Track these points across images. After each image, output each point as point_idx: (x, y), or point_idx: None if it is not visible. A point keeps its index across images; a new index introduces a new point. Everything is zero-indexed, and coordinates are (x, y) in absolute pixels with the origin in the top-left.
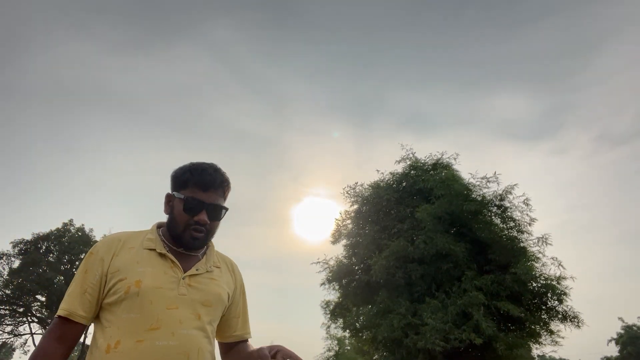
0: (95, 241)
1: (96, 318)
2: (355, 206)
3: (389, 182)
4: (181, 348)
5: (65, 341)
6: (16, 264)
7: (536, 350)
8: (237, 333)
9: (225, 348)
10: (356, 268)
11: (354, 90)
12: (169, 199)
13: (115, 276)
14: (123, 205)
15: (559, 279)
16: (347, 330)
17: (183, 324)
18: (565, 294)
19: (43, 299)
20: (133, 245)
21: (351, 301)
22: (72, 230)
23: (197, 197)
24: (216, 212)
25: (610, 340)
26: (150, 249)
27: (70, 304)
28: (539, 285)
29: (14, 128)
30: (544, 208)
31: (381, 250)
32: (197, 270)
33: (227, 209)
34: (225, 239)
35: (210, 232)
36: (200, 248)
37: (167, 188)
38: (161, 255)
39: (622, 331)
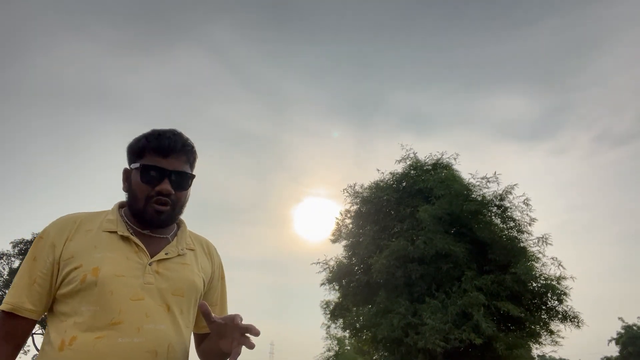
0: None
1: (50, 311)
2: (356, 206)
3: (389, 182)
4: (148, 345)
5: (12, 339)
6: (16, 264)
7: (536, 350)
8: None
9: (200, 339)
10: (356, 268)
11: (354, 90)
12: (126, 174)
13: (69, 263)
14: None
15: (559, 279)
16: (347, 330)
17: (150, 317)
18: (565, 294)
19: None
20: (90, 228)
21: (351, 301)
22: None
23: (157, 165)
24: (181, 181)
25: (610, 341)
26: (111, 232)
27: (16, 297)
28: (539, 285)
29: (14, 128)
30: (544, 208)
31: (381, 250)
32: (166, 254)
33: (194, 176)
34: (225, 239)
35: (177, 204)
36: (167, 224)
37: None
38: (123, 238)
39: (622, 331)
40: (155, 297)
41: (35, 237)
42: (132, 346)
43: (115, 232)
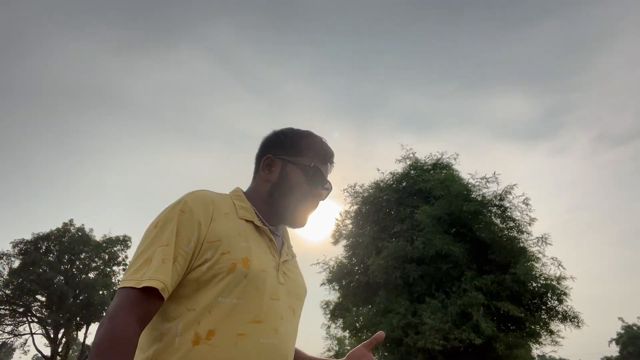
0: (96, 241)
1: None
2: (356, 206)
3: (389, 182)
4: (282, 349)
5: (145, 323)
6: (16, 264)
7: (536, 350)
8: None
9: None
10: (356, 268)
11: (354, 90)
12: (270, 161)
13: (214, 246)
14: (123, 205)
15: (559, 279)
16: (347, 330)
17: (283, 319)
18: (565, 294)
19: (43, 299)
20: (227, 212)
21: (351, 301)
22: (72, 230)
23: (325, 171)
24: (329, 191)
25: (610, 341)
26: (247, 220)
27: (164, 273)
28: (539, 285)
29: (14, 128)
30: (544, 208)
31: (380, 251)
32: (287, 255)
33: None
34: None
35: (315, 211)
36: (303, 226)
37: (167, 188)
38: (259, 230)
39: (622, 331)
40: (286, 299)
41: (170, 209)
42: (272, 348)
43: (252, 222)
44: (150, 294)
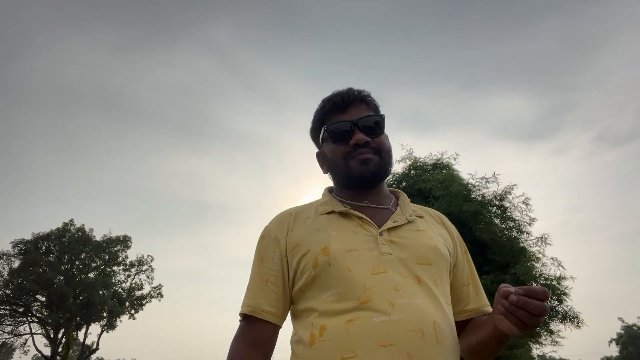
0: (96, 241)
1: (292, 315)
2: None
3: (389, 182)
4: (409, 323)
5: (259, 346)
6: (16, 264)
7: (536, 350)
8: (472, 306)
9: (458, 328)
10: None
11: None
12: (321, 156)
13: (296, 252)
14: (123, 206)
15: (559, 279)
16: None
17: (401, 291)
18: (565, 294)
19: (43, 299)
20: (307, 216)
21: None
22: (72, 230)
23: (339, 120)
24: (372, 125)
25: (610, 341)
26: (328, 213)
27: (253, 298)
28: (539, 285)
29: (13, 128)
30: (544, 208)
31: None
32: (394, 222)
33: (383, 117)
34: (225, 239)
35: (381, 150)
36: (379, 174)
37: (167, 188)
38: (343, 215)
39: (622, 331)
40: (399, 269)
41: (257, 239)
42: (391, 325)
43: (333, 212)
44: (249, 320)
